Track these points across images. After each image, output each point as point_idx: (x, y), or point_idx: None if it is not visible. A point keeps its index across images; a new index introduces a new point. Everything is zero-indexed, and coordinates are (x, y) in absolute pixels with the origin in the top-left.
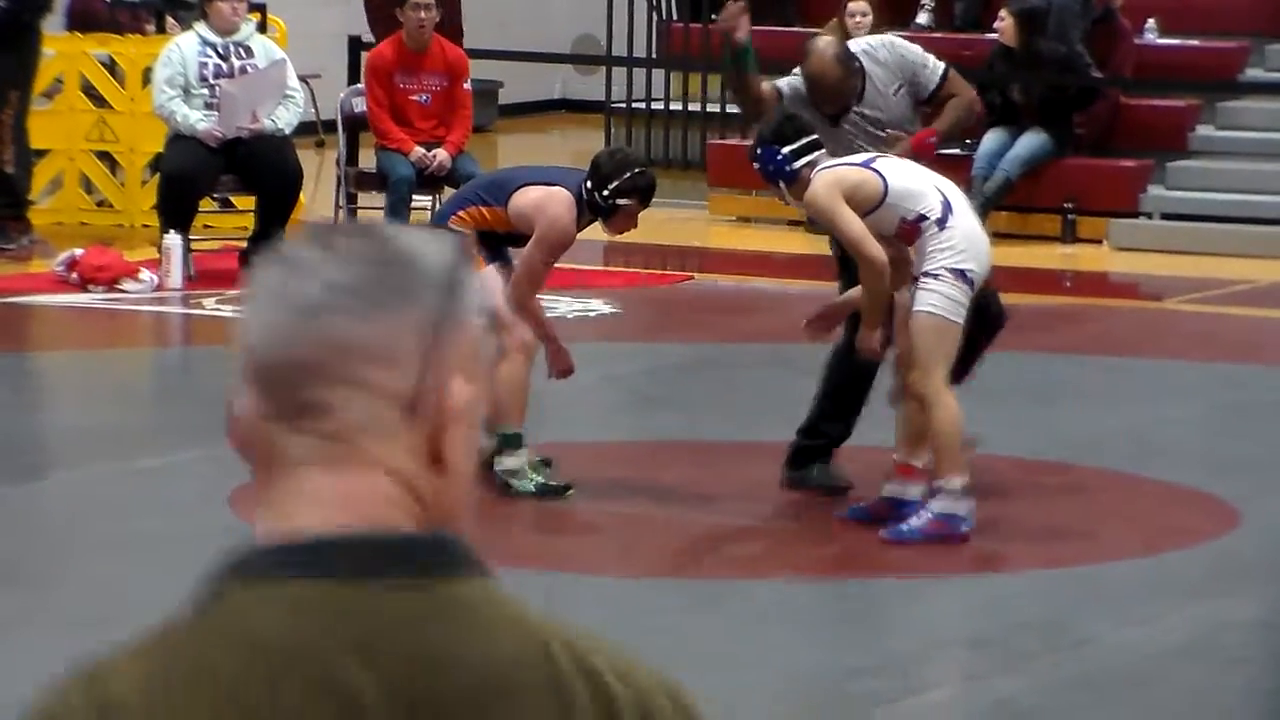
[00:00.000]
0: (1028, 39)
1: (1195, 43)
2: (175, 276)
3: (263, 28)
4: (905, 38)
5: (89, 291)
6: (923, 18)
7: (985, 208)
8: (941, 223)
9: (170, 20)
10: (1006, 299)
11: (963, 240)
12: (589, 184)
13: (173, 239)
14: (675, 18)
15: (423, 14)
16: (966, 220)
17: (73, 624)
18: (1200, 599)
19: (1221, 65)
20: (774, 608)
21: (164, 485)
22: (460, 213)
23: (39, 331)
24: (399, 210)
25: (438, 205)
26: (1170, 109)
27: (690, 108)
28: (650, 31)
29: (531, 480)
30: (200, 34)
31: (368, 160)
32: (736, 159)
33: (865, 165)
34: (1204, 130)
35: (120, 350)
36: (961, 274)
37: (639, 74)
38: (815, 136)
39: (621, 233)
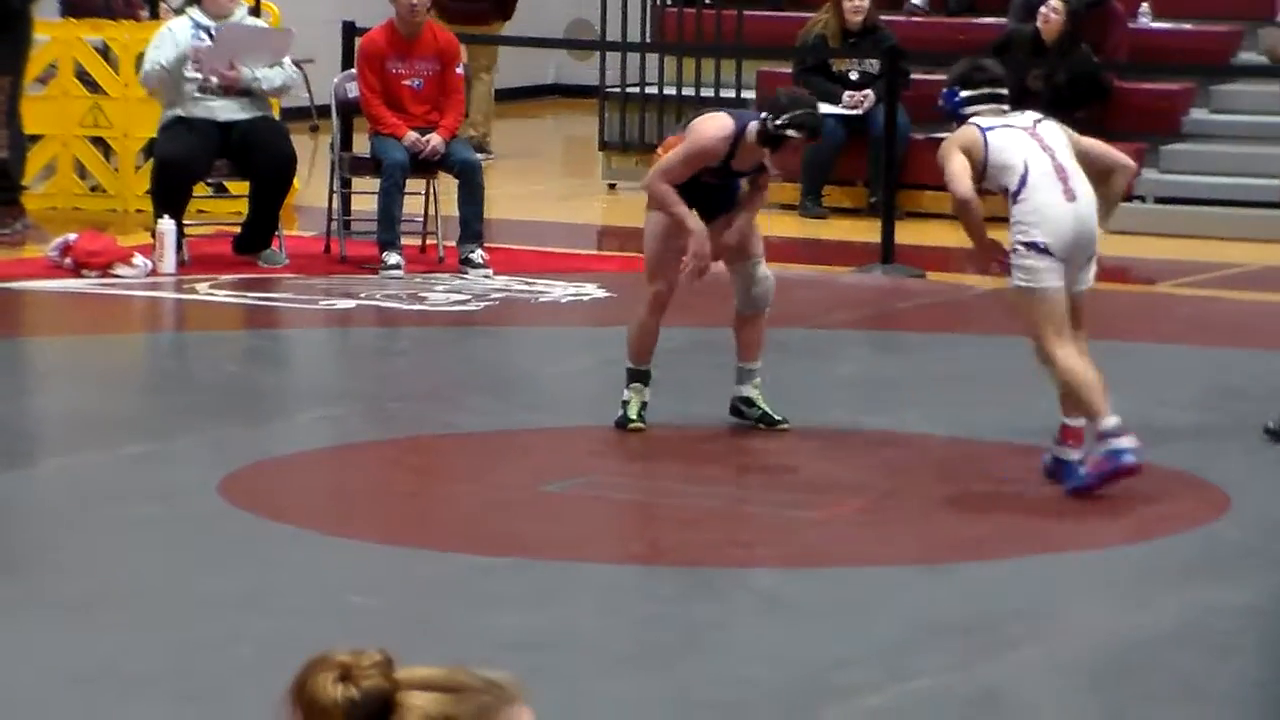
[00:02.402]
0: (1065, 36)
1: (1188, 26)
2: (169, 262)
3: (256, 12)
4: (899, 22)
5: (83, 277)
6: (917, 1)
7: None
8: (1015, 196)
9: (164, 5)
10: (998, 281)
11: (1031, 214)
12: (764, 114)
13: (166, 224)
14: (669, 2)
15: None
16: (1039, 195)
17: (66, 609)
18: (1191, 585)
19: (1215, 49)
20: (764, 596)
21: (157, 471)
22: (658, 149)
23: (32, 317)
24: (392, 195)
25: (432, 190)
26: (1164, 93)
27: (684, 92)
28: (644, 15)
29: (628, 410)
30: (193, 18)
31: (362, 145)
32: None
33: (984, 131)
34: (1197, 114)
35: (114, 336)
36: (1033, 245)
37: (633, 58)
38: (998, 90)
39: (784, 168)
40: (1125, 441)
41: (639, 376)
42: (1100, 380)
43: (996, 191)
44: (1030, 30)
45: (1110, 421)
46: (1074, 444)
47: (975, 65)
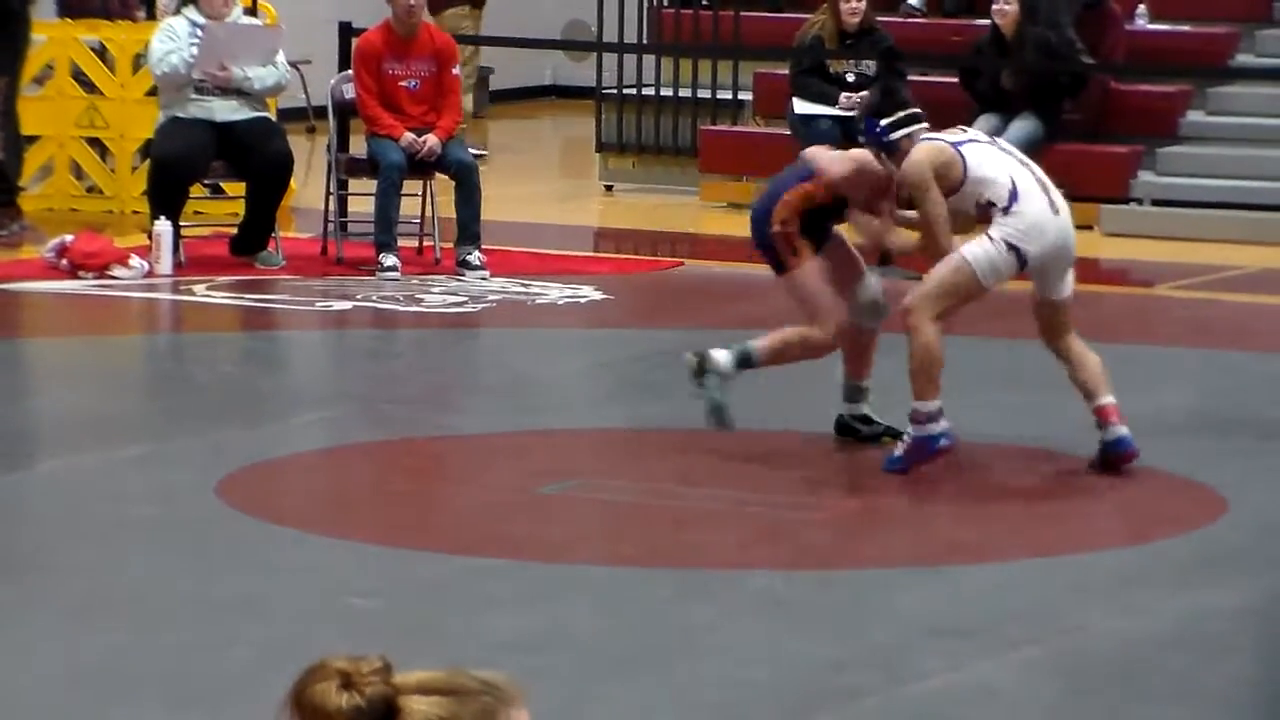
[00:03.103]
0: (1022, 25)
1: (1185, 28)
2: (165, 263)
3: (253, 12)
4: (896, 24)
5: (79, 278)
6: (913, 1)
7: None
8: (1006, 209)
9: (160, 5)
10: (1020, 284)
11: (1024, 225)
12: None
13: (163, 225)
14: (666, 3)
15: (412, 0)
16: (1032, 208)
17: (65, 612)
18: (1188, 588)
19: (1212, 50)
20: (762, 598)
21: (154, 472)
22: (785, 197)
23: (29, 318)
24: (389, 196)
25: (429, 192)
26: (1161, 94)
27: (681, 93)
28: (641, 17)
29: (716, 394)
30: (189, 18)
31: (359, 146)
32: (727, 145)
33: (956, 147)
34: (1194, 116)
35: (110, 337)
36: (1015, 249)
37: (630, 60)
38: (915, 110)
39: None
40: (942, 425)
41: (750, 362)
42: (941, 365)
43: (966, 209)
44: (989, 34)
45: (934, 404)
46: (1116, 420)
47: (884, 91)
